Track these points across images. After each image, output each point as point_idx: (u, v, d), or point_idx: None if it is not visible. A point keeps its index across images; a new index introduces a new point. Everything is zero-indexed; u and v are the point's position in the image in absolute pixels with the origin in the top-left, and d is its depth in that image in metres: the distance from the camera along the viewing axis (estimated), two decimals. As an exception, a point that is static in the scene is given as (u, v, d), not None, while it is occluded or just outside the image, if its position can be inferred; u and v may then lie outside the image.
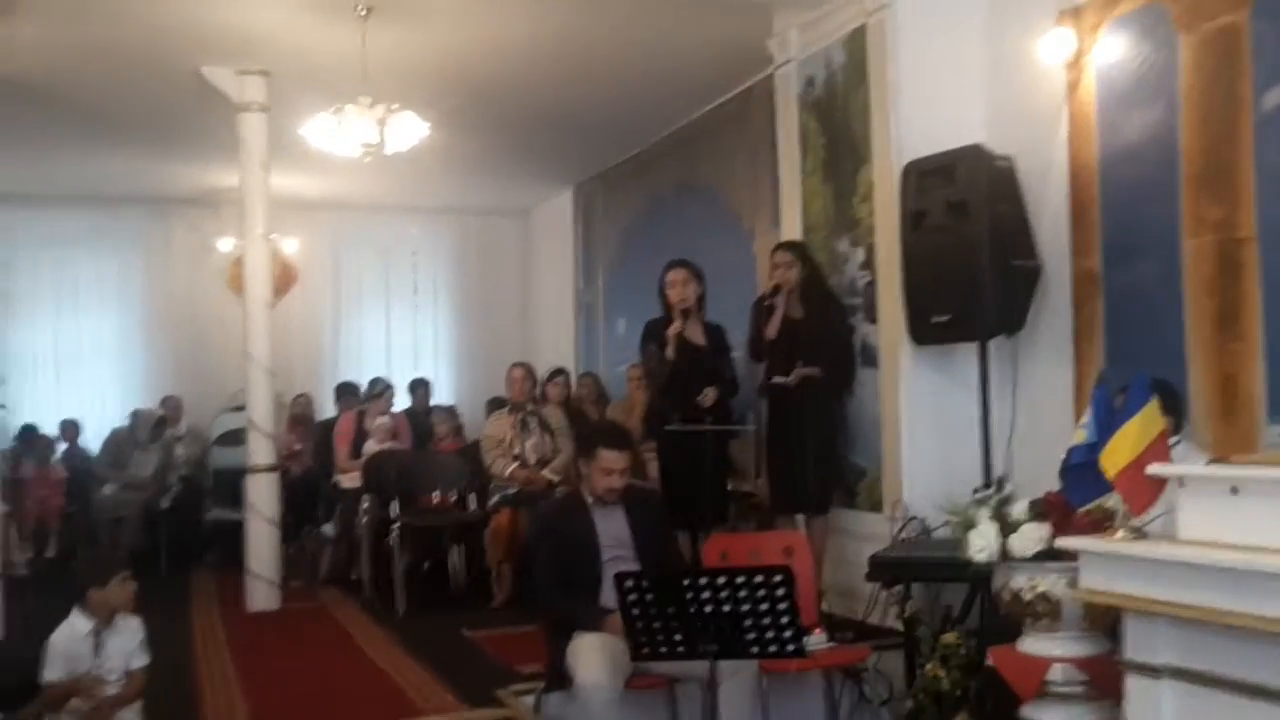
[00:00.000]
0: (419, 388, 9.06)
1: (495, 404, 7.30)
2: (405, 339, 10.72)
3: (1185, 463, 3.10)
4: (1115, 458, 2.35)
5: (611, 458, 3.90)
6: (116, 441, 8.88)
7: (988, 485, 4.42)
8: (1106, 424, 2.43)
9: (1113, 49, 4.32)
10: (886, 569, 4.23)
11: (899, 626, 4.37)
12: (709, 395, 5.22)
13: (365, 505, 6.77)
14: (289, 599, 6.52)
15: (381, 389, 7.82)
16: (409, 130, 5.57)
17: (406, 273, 10.74)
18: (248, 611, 6.28)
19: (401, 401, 8.97)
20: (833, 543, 5.22)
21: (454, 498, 6.81)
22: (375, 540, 6.73)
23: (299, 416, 8.75)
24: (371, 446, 7.26)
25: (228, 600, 6.57)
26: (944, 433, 4.85)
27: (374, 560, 6.70)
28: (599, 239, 9.49)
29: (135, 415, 8.96)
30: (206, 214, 9.41)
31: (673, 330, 5.19)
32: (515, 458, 6.40)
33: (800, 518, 5.23)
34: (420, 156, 6.74)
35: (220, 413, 8.81)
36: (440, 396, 9.76)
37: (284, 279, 8.86)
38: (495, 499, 6.39)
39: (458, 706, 4.33)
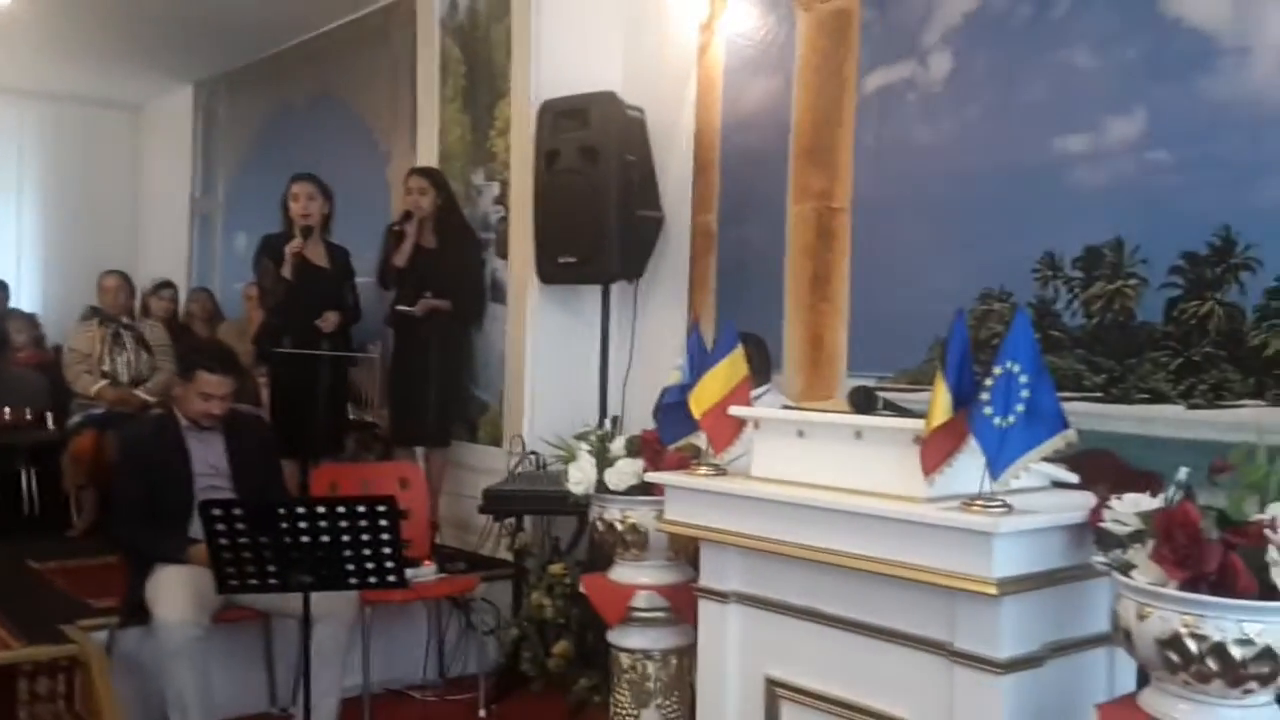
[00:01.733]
0: (-1, 290, 7.96)
1: (88, 313, 6.57)
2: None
3: (773, 407, 3.41)
4: (702, 399, 2.50)
5: (212, 382, 3.67)
6: None
7: (603, 422, 4.62)
8: (698, 367, 2.58)
9: (740, 18, 4.55)
10: (498, 501, 4.32)
11: (511, 558, 4.49)
12: (329, 319, 4.98)
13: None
14: None
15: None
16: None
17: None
18: None
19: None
20: (451, 476, 5.23)
21: (29, 415, 6.09)
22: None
23: None
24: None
25: None
26: (566, 371, 4.96)
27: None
28: (221, 144, 8.77)
29: None
30: None
31: (292, 247, 4.88)
32: (104, 374, 5.81)
33: (420, 450, 5.18)
34: (7, 28, 5.86)
35: None
36: (24, 302, 8.66)
37: None
38: (78, 418, 5.78)
39: (14, 643, 3.86)
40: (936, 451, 2.05)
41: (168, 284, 7.08)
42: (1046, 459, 2.06)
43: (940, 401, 2.04)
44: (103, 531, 5.13)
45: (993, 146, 3.67)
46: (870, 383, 3.93)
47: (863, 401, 2.31)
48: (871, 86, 4.06)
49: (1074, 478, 2.19)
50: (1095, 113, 3.36)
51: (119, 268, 6.48)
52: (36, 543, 5.44)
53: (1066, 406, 2.06)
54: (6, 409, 6.12)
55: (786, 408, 2.77)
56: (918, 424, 2.10)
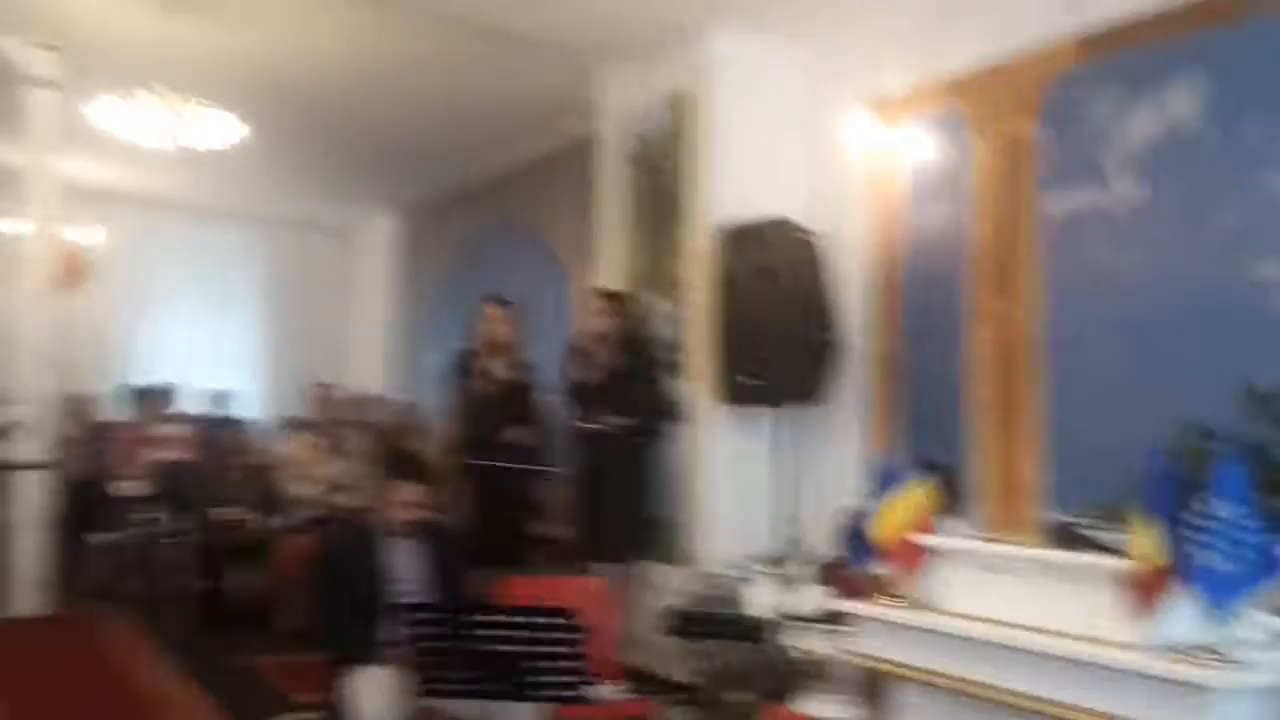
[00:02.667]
0: (218, 399, 8.64)
1: (297, 423, 7.06)
2: (208, 346, 10.22)
3: (956, 538, 3.35)
4: (887, 527, 2.51)
5: (407, 491, 3.87)
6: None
7: (783, 543, 4.60)
8: (882, 494, 2.59)
9: (916, 143, 4.62)
10: (680, 623, 4.30)
11: (691, 679, 4.46)
12: (514, 433, 5.20)
13: (148, 515, 6.40)
14: (57, 607, 6.11)
15: (165, 394, 7.38)
16: (218, 128, 5.37)
17: (216, 279, 10.28)
18: (9, 617, 5.85)
19: (198, 411, 8.56)
20: (636, 594, 5.24)
21: (245, 516, 6.53)
22: (157, 553, 6.37)
23: (81, 416, 8.18)
24: (157, 454, 6.88)
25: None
26: (747, 491, 4.96)
27: (153, 574, 6.34)
28: (421, 267, 9.37)
29: None
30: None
31: (483, 364, 5.16)
32: (312, 480, 6.20)
33: (604, 567, 5.25)
34: (238, 160, 6.52)
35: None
36: (243, 410, 9.36)
37: (74, 269, 8.30)
38: (287, 521, 6.17)
39: (225, 733, 4.14)
40: (1145, 595, 1.98)
41: (371, 396, 7.51)
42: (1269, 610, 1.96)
43: (1145, 542, 1.99)
44: (307, 630, 5.42)
45: (1186, 272, 3.58)
46: (1067, 516, 3.79)
47: (1060, 536, 2.27)
48: (1053, 210, 4.03)
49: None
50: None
51: (328, 380, 6.95)
52: (247, 638, 5.76)
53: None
54: (224, 511, 6.54)
55: (970, 539, 2.73)
56: (1117, 563, 2.05)
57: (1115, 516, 3.55)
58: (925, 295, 4.54)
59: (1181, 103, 3.63)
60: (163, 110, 5.21)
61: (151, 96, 5.18)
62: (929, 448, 4.09)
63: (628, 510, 5.07)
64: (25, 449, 5.94)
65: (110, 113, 5.28)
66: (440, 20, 5.19)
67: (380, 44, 5.66)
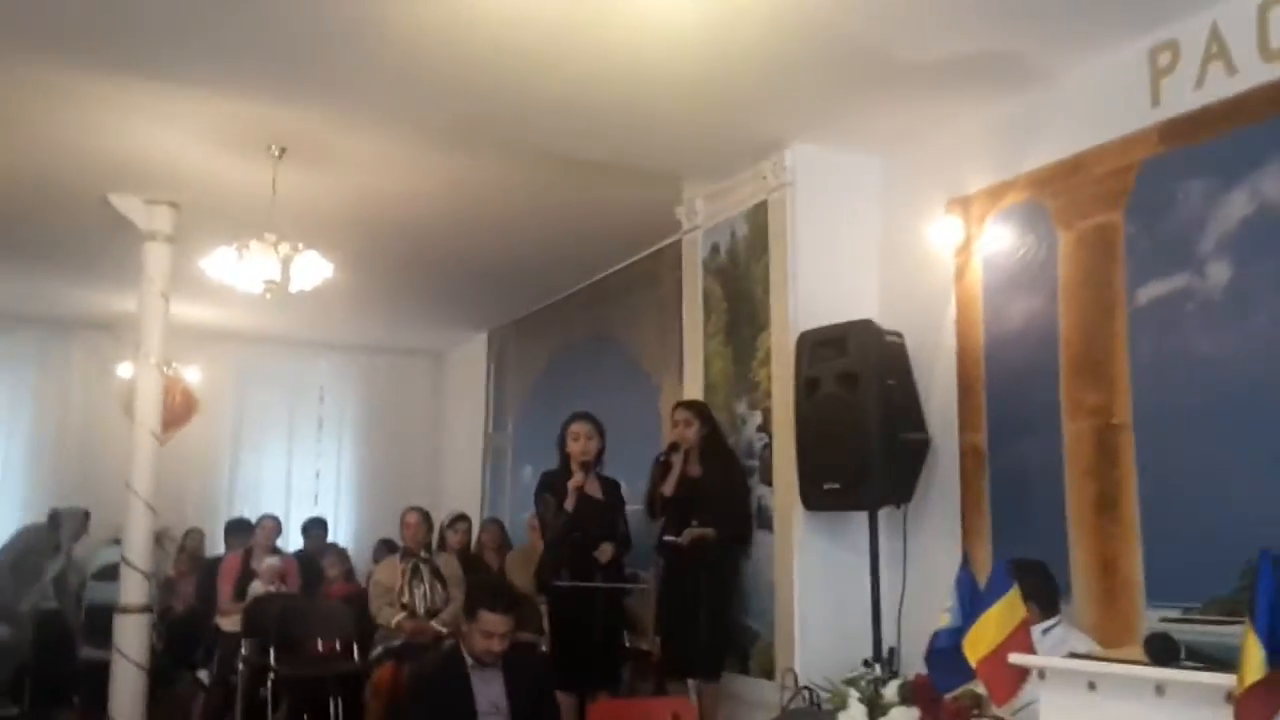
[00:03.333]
0: (314, 528, 8.78)
1: (387, 547, 7.11)
2: (307, 476, 10.46)
3: (1065, 645, 3.15)
4: (978, 644, 2.36)
5: (493, 621, 3.84)
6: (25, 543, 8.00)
7: (878, 656, 4.41)
8: (970, 608, 2.45)
9: (998, 239, 4.55)
10: (769, 741, 4.17)
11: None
12: (606, 551, 5.16)
13: (244, 651, 6.46)
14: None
15: (266, 526, 7.50)
16: (313, 269, 5.58)
17: (312, 409, 10.57)
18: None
19: (297, 542, 8.72)
20: (725, 709, 5.11)
21: (339, 646, 6.54)
22: (251, 689, 6.41)
23: (189, 553, 8.40)
24: (257, 588, 6.97)
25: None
26: (836, 600, 4.83)
27: (248, 710, 6.36)
28: (510, 385, 9.50)
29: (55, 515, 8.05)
30: (106, 338, 9.21)
31: (574, 483, 5.16)
32: (404, 606, 6.20)
33: (692, 682, 5.13)
34: (330, 295, 6.73)
35: (101, 545, 8.39)
36: (341, 538, 9.50)
37: (184, 409, 8.66)
38: (379, 650, 6.15)
39: None
40: (1256, 713, 1.82)
41: (463, 517, 7.54)
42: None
43: (1254, 654, 1.83)
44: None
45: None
46: (1175, 613, 3.57)
47: (1162, 649, 2.10)
48: (1144, 299, 3.91)
49: None
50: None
51: (420, 503, 7.01)
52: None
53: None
54: (320, 640, 6.53)
55: (1074, 655, 2.55)
56: (1229, 679, 1.88)
57: (1230, 611, 3.35)
58: (1015, 388, 4.41)
59: (1273, 183, 3.51)
60: (271, 257, 5.44)
61: (262, 246, 5.42)
62: (1025, 546, 3.90)
63: (713, 622, 4.96)
64: (131, 588, 6.05)
65: (223, 263, 5.54)
66: (532, 153, 5.37)
67: (473, 179, 5.87)
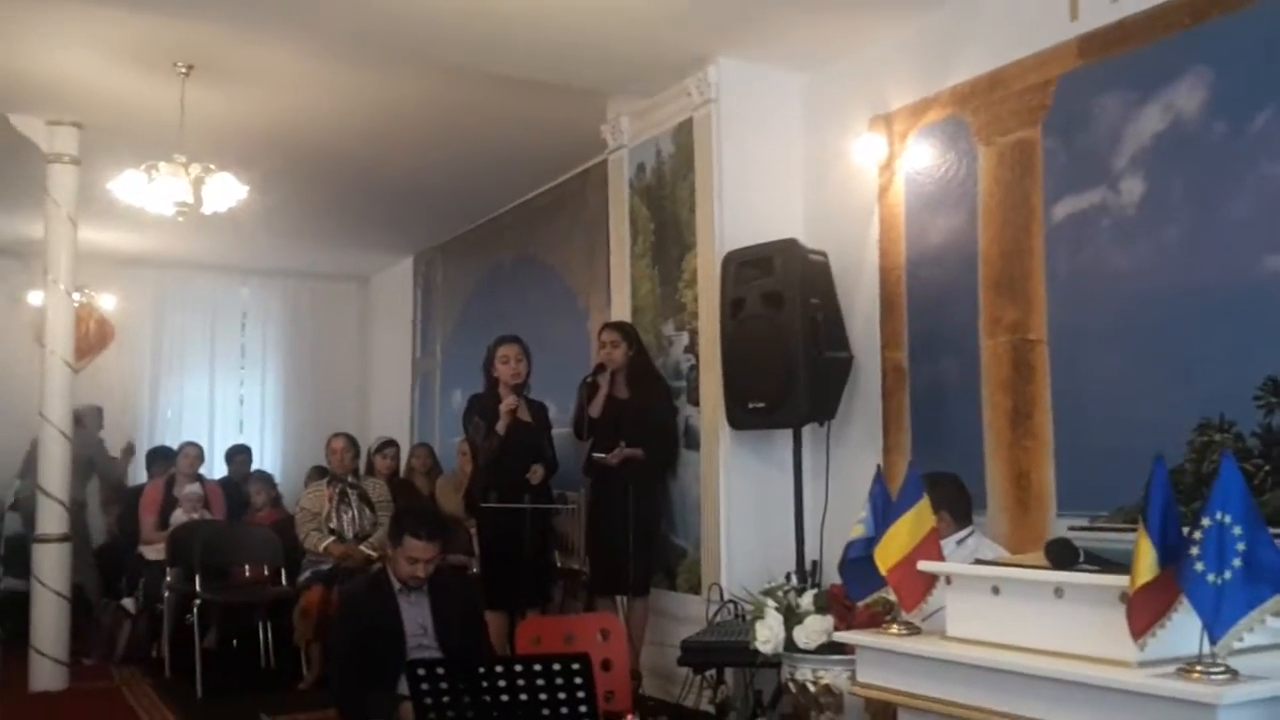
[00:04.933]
0: (237, 454, 8.65)
1: (317, 474, 7.05)
2: (231, 404, 10.28)
3: (977, 555, 3.24)
4: (888, 553, 2.42)
5: (418, 547, 3.84)
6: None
7: (800, 569, 4.52)
8: (882, 518, 2.50)
9: (920, 156, 4.56)
10: (696, 654, 4.24)
11: (713, 711, 4.39)
12: (537, 473, 5.16)
13: (169, 579, 6.40)
14: (80, 677, 6.08)
15: (188, 453, 7.37)
16: (226, 191, 5.41)
17: (234, 335, 10.34)
18: (30, 691, 5.81)
19: (221, 469, 8.59)
20: (653, 625, 5.21)
21: (266, 571, 6.51)
22: (177, 616, 6.37)
23: (107, 481, 8.22)
24: (180, 516, 6.89)
25: (11, 679, 6.05)
26: (761, 516, 4.92)
27: (175, 637, 6.32)
28: (438, 309, 9.38)
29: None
30: (15, 265, 8.87)
31: (507, 405, 5.12)
32: (331, 531, 6.17)
33: (621, 599, 5.20)
34: (249, 218, 6.56)
35: (15, 477, 8.19)
36: (268, 464, 9.38)
37: (98, 336, 8.42)
38: (307, 574, 6.13)
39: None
40: (1146, 612, 1.89)
41: (390, 442, 7.50)
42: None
43: (1145, 557, 1.90)
44: (323, 686, 5.38)
45: (1197, 268, 3.49)
46: (1084, 522, 3.69)
47: (1061, 554, 2.16)
48: (1060, 215, 3.96)
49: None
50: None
51: (347, 429, 6.95)
52: (272, 695, 5.69)
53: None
54: (247, 566, 6.52)
55: (981, 561, 2.63)
56: (1122, 580, 1.95)
57: (1136, 519, 3.47)
58: (935, 305, 4.47)
59: (1186, 97, 3.54)
60: (182, 180, 5.26)
61: (171, 167, 5.24)
62: (943, 459, 3.98)
63: (641, 540, 5.01)
64: (48, 519, 5.94)
65: (131, 186, 5.34)
66: (449, 71, 5.23)
67: (390, 98, 5.71)
